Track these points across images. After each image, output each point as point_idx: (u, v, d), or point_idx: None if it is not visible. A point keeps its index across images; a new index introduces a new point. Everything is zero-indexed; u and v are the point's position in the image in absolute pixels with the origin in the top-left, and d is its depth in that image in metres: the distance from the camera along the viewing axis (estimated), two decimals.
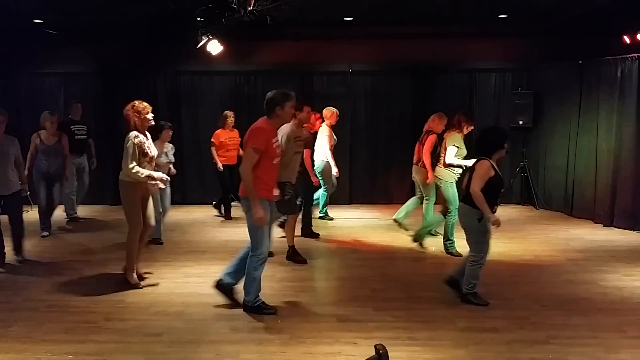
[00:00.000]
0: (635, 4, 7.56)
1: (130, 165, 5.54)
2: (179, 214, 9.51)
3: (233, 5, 7.10)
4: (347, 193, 10.68)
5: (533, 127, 10.26)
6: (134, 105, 5.69)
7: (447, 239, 7.08)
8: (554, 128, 9.96)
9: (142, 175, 5.59)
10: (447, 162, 6.93)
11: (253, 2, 7.11)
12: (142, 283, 5.90)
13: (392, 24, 9.55)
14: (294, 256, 6.78)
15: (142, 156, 5.65)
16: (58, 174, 8.07)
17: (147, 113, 5.72)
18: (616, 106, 8.54)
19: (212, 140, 9.08)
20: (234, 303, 5.25)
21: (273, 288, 5.82)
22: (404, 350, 4.26)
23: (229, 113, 9.22)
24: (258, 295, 5.12)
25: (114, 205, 9.65)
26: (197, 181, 10.81)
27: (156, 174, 5.73)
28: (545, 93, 10.17)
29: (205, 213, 9.75)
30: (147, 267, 6.53)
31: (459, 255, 6.89)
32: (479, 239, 5.22)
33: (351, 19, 9.56)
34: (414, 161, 7.69)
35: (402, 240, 7.94)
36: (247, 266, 5.05)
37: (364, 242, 7.79)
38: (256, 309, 5.07)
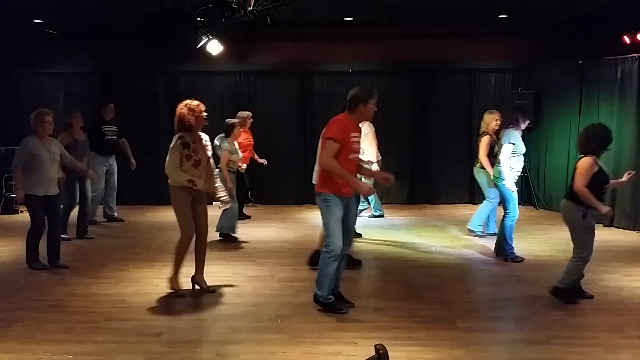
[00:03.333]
0: (635, 4, 7.57)
1: (172, 170, 5.35)
2: None
3: (233, 5, 7.10)
4: None
5: (533, 127, 10.24)
6: (187, 104, 5.48)
7: (507, 244, 6.74)
8: (554, 128, 9.96)
9: (184, 179, 5.32)
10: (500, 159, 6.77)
11: (253, 2, 7.11)
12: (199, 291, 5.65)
13: (392, 24, 9.56)
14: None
15: (185, 159, 5.39)
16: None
17: (201, 111, 5.51)
18: (616, 106, 8.54)
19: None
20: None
21: (273, 288, 5.82)
22: (404, 350, 4.25)
23: (249, 114, 9.16)
24: (331, 292, 5.06)
25: (116, 206, 9.64)
26: None
27: (199, 183, 5.38)
28: (545, 93, 10.18)
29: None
30: (147, 267, 6.55)
31: (520, 260, 6.69)
32: (584, 236, 5.16)
33: (351, 19, 9.58)
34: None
35: (402, 240, 7.95)
36: (320, 262, 5.04)
37: (364, 242, 7.78)
38: (329, 306, 5.03)
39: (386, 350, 2.38)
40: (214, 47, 8.98)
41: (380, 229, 8.61)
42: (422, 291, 5.73)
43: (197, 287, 5.74)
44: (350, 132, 4.92)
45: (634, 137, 8.31)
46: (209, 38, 8.79)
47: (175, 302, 5.42)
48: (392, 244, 7.75)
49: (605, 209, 5.11)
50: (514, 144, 6.72)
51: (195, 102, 5.54)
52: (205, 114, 5.59)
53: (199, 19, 7.82)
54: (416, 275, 6.33)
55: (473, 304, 5.39)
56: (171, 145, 5.44)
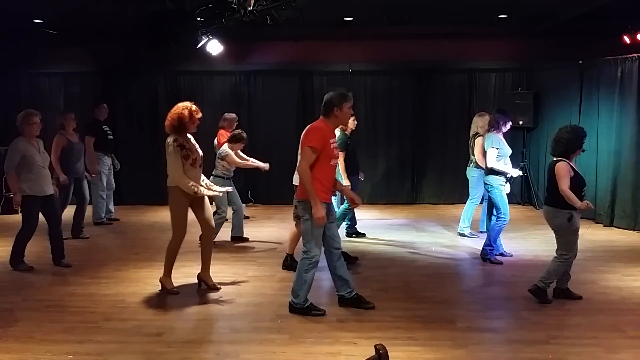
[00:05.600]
0: (635, 4, 7.57)
1: (177, 175, 5.35)
2: None
3: (233, 5, 7.10)
4: None
5: (533, 127, 10.26)
6: (189, 108, 5.41)
7: (489, 244, 6.72)
8: (554, 128, 9.87)
9: (189, 184, 5.33)
10: (489, 166, 6.74)
11: (253, 2, 7.10)
12: (215, 290, 5.68)
13: (392, 24, 9.56)
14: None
15: (184, 160, 5.38)
16: (83, 173, 8.09)
17: (199, 118, 5.47)
18: (616, 106, 8.54)
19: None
20: (364, 309, 5.13)
21: (273, 288, 5.82)
22: (404, 350, 4.25)
23: (235, 116, 9.12)
24: (307, 297, 5.04)
25: (115, 206, 9.63)
26: None
27: (203, 190, 5.42)
28: (545, 93, 10.18)
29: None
30: (147, 267, 6.54)
31: (499, 263, 6.64)
32: (570, 238, 5.21)
33: (351, 19, 9.58)
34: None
35: (402, 240, 7.95)
36: (298, 267, 5.01)
37: (364, 242, 7.79)
38: (305, 310, 5.00)
39: (386, 350, 2.38)
40: (214, 47, 8.98)
41: (381, 229, 8.61)
42: (422, 291, 5.73)
43: (203, 284, 5.77)
44: (329, 139, 4.89)
45: (634, 137, 8.31)
46: (209, 38, 8.78)
47: (175, 302, 5.41)
48: (392, 244, 7.75)
49: (583, 204, 5.13)
50: (497, 148, 6.73)
51: (195, 107, 5.50)
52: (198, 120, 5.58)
53: (199, 19, 7.81)
54: (416, 275, 6.33)
55: (473, 304, 5.39)
56: (168, 149, 5.40)
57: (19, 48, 10.37)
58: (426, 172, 10.89)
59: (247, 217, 9.11)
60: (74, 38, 10.12)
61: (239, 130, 7.91)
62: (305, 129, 5.03)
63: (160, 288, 5.67)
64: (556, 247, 5.32)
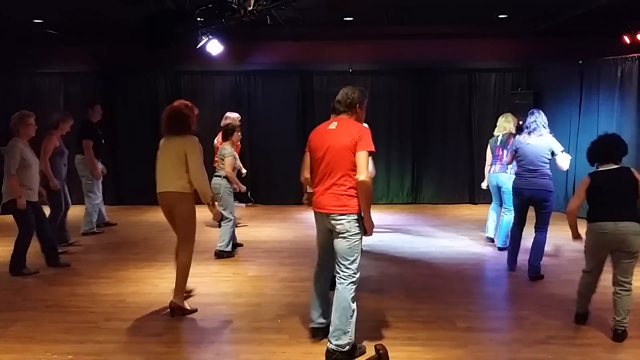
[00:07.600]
0: (635, 4, 7.57)
1: (205, 175, 4.95)
2: None
3: (233, 5, 7.10)
4: None
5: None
6: (190, 106, 5.06)
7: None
8: (554, 128, 9.88)
9: (210, 193, 5.02)
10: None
11: (253, 2, 7.11)
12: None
13: (392, 24, 9.56)
14: None
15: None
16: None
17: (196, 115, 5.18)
18: (616, 106, 8.54)
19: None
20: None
21: (273, 288, 5.83)
22: (404, 350, 4.25)
23: (239, 116, 8.68)
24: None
25: (112, 206, 9.66)
26: None
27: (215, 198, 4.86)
28: (545, 93, 10.18)
29: (206, 213, 9.74)
30: (147, 267, 6.55)
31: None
32: None
33: (351, 19, 9.58)
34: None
35: (402, 240, 7.96)
36: (341, 299, 4.06)
37: (364, 243, 7.76)
38: (349, 353, 4.08)
39: (386, 350, 2.38)
40: (214, 47, 8.98)
41: (381, 229, 8.61)
42: (422, 291, 5.74)
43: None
44: None
45: (634, 137, 8.31)
46: (209, 38, 8.78)
47: None
48: (392, 244, 7.75)
49: None
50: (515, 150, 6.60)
51: (191, 104, 5.17)
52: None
53: (199, 19, 7.81)
54: (416, 275, 6.33)
55: (473, 304, 5.39)
56: (194, 148, 4.90)
57: (19, 48, 10.37)
58: (426, 172, 10.89)
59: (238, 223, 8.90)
60: (74, 38, 10.12)
61: (227, 125, 7.65)
62: (353, 129, 4.33)
63: (170, 311, 5.04)
64: (626, 277, 4.42)
